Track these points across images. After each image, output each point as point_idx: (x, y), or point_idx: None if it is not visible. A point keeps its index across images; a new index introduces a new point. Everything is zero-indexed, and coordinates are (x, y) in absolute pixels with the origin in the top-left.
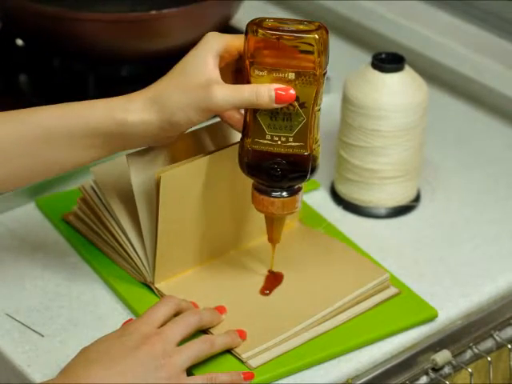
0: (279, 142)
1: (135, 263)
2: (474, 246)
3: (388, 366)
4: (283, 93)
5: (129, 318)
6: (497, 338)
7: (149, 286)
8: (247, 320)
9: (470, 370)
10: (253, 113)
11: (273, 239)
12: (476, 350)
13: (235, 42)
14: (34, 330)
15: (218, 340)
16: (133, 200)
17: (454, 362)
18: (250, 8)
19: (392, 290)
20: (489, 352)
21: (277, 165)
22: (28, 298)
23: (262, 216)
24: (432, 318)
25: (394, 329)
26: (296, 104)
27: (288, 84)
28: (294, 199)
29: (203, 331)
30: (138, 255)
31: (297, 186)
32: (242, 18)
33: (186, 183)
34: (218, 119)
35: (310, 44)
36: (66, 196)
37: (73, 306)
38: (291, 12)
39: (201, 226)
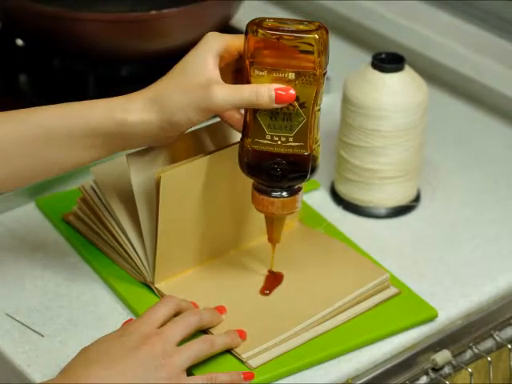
0: (279, 142)
1: (135, 263)
2: (474, 246)
3: (388, 365)
4: (283, 93)
5: (129, 317)
6: (497, 337)
7: (149, 286)
8: (247, 320)
9: (469, 370)
10: (253, 113)
11: (273, 239)
12: (476, 350)
13: (235, 42)
14: (34, 330)
15: (218, 340)
16: (133, 200)
17: (453, 362)
18: (249, 8)
19: (392, 290)
20: (489, 352)
21: (277, 165)
22: (28, 297)
23: (262, 216)
24: (432, 317)
25: (394, 329)
26: (296, 104)
27: (288, 84)
28: (294, 199)
29: (203, 331)
30: (138, 255)
31: (297, 186)
32: (241, 18)
33: (186, 183)
34: (217, 119)
35: (309, 44)
36: (66, 196)
37: (73, 306)
38: (291, 12)
39: (201, 225)
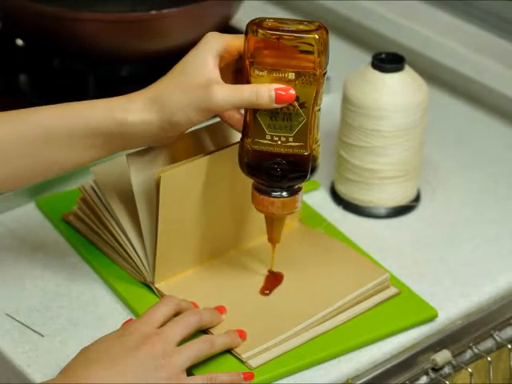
0: (279, 142)
1: (135, 263)
2: (474, 246)
3: (388, 365)
4: (283, 93)
5: (129, 318)
6: (497, 338)
7: (149, 286)
8: (247, 320)
9: (470, 369)
10: (253, 113)
11: (273, 239)
12: (476, 350)
13: (235, 42)
14: (34, 330)
15: (218, 340)
16: (133, 200)
17: (454, 362)
18: (249, 8)
19: (392, 290)
20: (489, 352)
21: (277, 165)
22: (28, 297)
23: (262, 216)
24: (432, 317)
25: (394, 329)
26: (296, 104)
27: (288, 84)
28: (294, 199)
29: (203, 331)
30: (138, 255)
31: (297, 186)
32: (241, 18)
33: (186, 183)
34: (218, 119)
35: (309, 44)
36: (66, 196)
37: (73, 306)
38: (291, 12)
39: (201, 225)
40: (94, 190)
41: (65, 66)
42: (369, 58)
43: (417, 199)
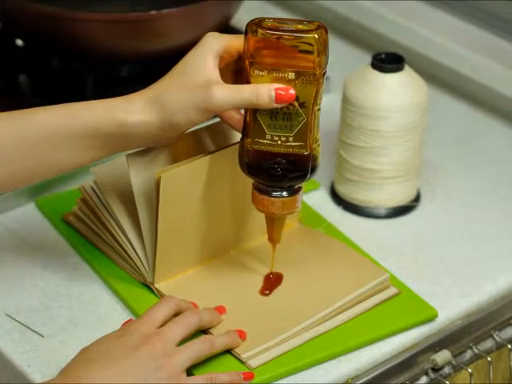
0: (279, 142)
1: (135, 263)
2: (474, 246)
3: (388, 366)
4: (283, 92)
5: (129, 318)
6: (497, 338)
7: (149, 286)
8: (247, 320)
9: (469, 370)
10: (253, 113)
11: (273, 239)
12: (476, 350)
13: (235, 43)
14: (33, 331)
15: (217, 340)
16: (133, 200)
17: (453, 362)
18: (249, 8)
19: (392, 290)
20: (489, 352)
21: (277, 164)
22: (28, 297)
23: (262, 216)
24: (432, 318)
25: (394, 329)
26: (296, 104)
27: (288, 84)
28: (294, 199)
29: (203, 331)
30: (138, 255)
31: (297, 186)
32: (241, 18)
33: (186, 183)
34: (218, 119)
35: (309, 44)
36: (66, 196)
37: (73, 306)
38: (291, 12)
39: (201, 226)
40: (94, 191)
41: (64, 66)
42: (369, 58)
43: (417, 199)
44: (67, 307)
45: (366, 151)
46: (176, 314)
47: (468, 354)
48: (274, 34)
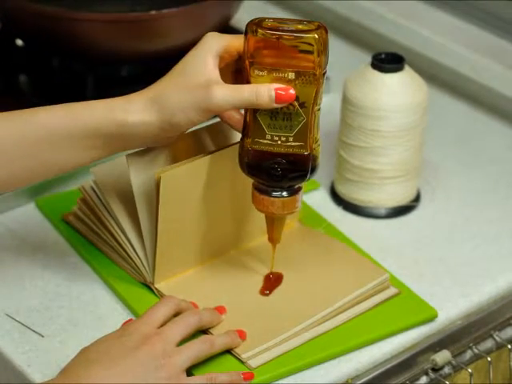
0: (279, 142)
1: (135, 263)
2: (474, 246)
3: (388, 366)
4: (283, 93)
5: (129, 318)
6: (497, 338)
7: (149, 286)
8: (247, 320)
9: (469, 370)
10: (253, 113)
11: (273, 239)
12: (476, 350)
13: (235, 43)
14: (33, 331)
15: (217, 340)
16: (133, 200)
17: (453, 362)
18: (249, 8)
19: (392, 290)
20: (489, 352)
21: (277, 164)
22: (28, 298)
23: (262, 216)
24: (432, 318)
25: (394, 329)
26: (296, 104)
27: (288, 84)
28: (294, 199)
29: (203, 331)
30: (138, 255)
31: (297, 186)
32: (242, 18)
33: (186, 183)
34: (218, 119)
35: (309, 44)
36: (66, 196)
37: (73, 306)
38: (291, 12)
39: (201, 226)
40: (94, 191)
41: (64, 66)
42: (369, 58)
43: (417, 199)
44: (67, 307)
45: (366, 151)
46: (176, 314)
47: (468, 354)
48: (274, 34)
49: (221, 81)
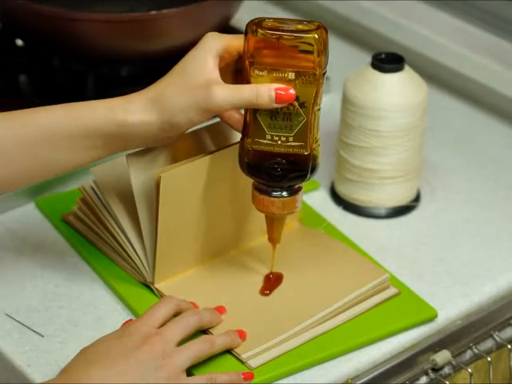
0: (279, 142)
1: (135, 263)
2: (474, 246)
3: (388, 366)
4: (283, 93)
5: (129, 318)
6: (497, 338)
7: (149, 286)
8: (247, 320)
9: (469, 370)
10: (253, 113)
11: (273, 239)
12: (476, 350)
13: (235, 43)
14: (33, 331)
15: (217, 340)
16: (133, 200)
17: (453, 362)
18: (249, 8)
19: (392, 290)
20: (489, 352)
21: (277, 164)
22: (28, 297)
23: (262, 216)
24: (432, 318)
25: (394, 329)
26: (296, 104)
27: (288, 84)
28: (294, 199)
29: (203, 331)
30: (138, 255)
31: (297, 186)
32: (242, 18)
33: (186, 183)
34: (218, 119)
35: (309, 44)
36: (66, 196)
37: (73, 306)
38: (291, 12)
39: (201, 226)
40: (94, 191)
41: (64, 66)
42: (369, 58)
43: (417, 199)
44: (67, 307)
45: (366, 151)
46: (176, 314)
47: (468, 354)
48: (274, 34)
49: (221, 81)
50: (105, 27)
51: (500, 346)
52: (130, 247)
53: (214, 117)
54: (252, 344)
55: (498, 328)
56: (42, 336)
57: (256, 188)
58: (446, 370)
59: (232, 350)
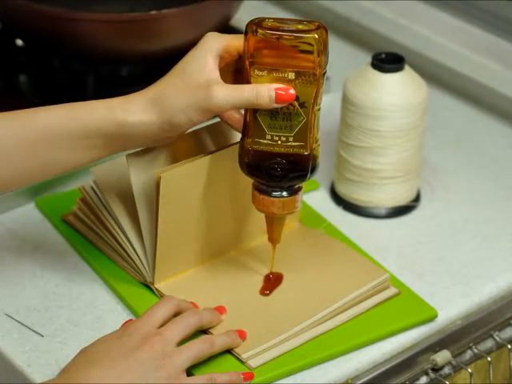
0: (279, 142)
1: (135, 263)
2: (474, 246)
3: (388, 366)
4: (283, 92)
5: (129, 318)
6: (497, 338)
7: (149, 286)
8: (247, 320)
9: (469, 370)
10: (253, 113)
11: (273, 239)
12: (476, 350)
13: (235, 43)
14: (33, 331)
15: (217, 340)
16: (133, 200)
17: (453, 362)
18: (249, 8)
19: (392, 290)
20: (489, 352)
21: (277, 164)
22: (28, 297)
23: (262, 216)
24: (432, 318)
25: (394, 329)
26: (296, 104)
27: (288, 84)
28: (294, 199)
29: (203, 331)
30: (138, 255)
31: (297, 186)
32: (241, 18)
33: (186, 183)
34: (218, 119)
35: (309, 44)
36: (66, 196)
37: (73, 306)
38: (291, 12)
39: (201, 226)
40: (94, 191)
41: (64, 66)
42: (369, 58)
43: (417, 199)
44: (67, 307)
45: (366, 151)
46: (176, 314)
47: (468, 354)
48: (274, 34)
49: (221, 81)
50: (105, 27)
51: (500, 346)
52: (130, 247)
53: (214, 117)
54: (252, 344)
55: (498, 328)
56: (42, 336)
57: (256, 188)
58: (446, 369)
59: (232, 349)
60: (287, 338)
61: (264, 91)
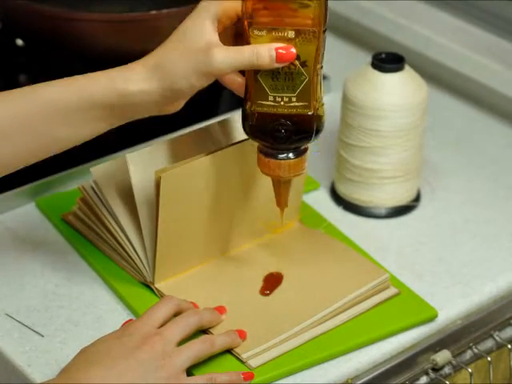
0: (282, 103)
1: (135, 263)
2: (474, 246)
3: (388, 366)
4: (284, 52)
5: (129, 318)
6: (497, 338)
7: (149, 286)
8: (247, 320)
9: (470, 370)
10: (254, 74)
11: (281, 203)
12: (476, 350)
13: (233, 4)
14: (33, 330)
15: (217, 340)
16: (133, 200)
17: (454, 362)
18: None
19: (392, 290)
20: (489, 352)
21: (281, 126)
22: (28, 297)
23: (262, 216)
24: (432, 318)
25: (394, 329)
26: (297, 63)
27: (288, 43)
28: (301, 160)
29: (203, 331)
30: (138, 255)
31: (303, 147)
32: None
33: (186, 183)
34: (218, 119)
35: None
36: (66, 196)
37: (73, 306)
38: None
39: (201, 226)
40: (94, 191)
41: (64, 66)
42: (369, 58)
43: (417, 199)
44: (67, 307)
45: (366, 151)
46: (176, 314)
47: (468, 354)
48: None
49: (220, 43)
50: (105, 27)
51: (500, 346)
52: (130, 247)
53: (214, 116)
54: (252, 344)
55: (498, 328)
56: (42, 336)
57: (261, 151)
58: (446, 369)
59: (232, 349)
60: (287, 337)
61: (264, 51)
